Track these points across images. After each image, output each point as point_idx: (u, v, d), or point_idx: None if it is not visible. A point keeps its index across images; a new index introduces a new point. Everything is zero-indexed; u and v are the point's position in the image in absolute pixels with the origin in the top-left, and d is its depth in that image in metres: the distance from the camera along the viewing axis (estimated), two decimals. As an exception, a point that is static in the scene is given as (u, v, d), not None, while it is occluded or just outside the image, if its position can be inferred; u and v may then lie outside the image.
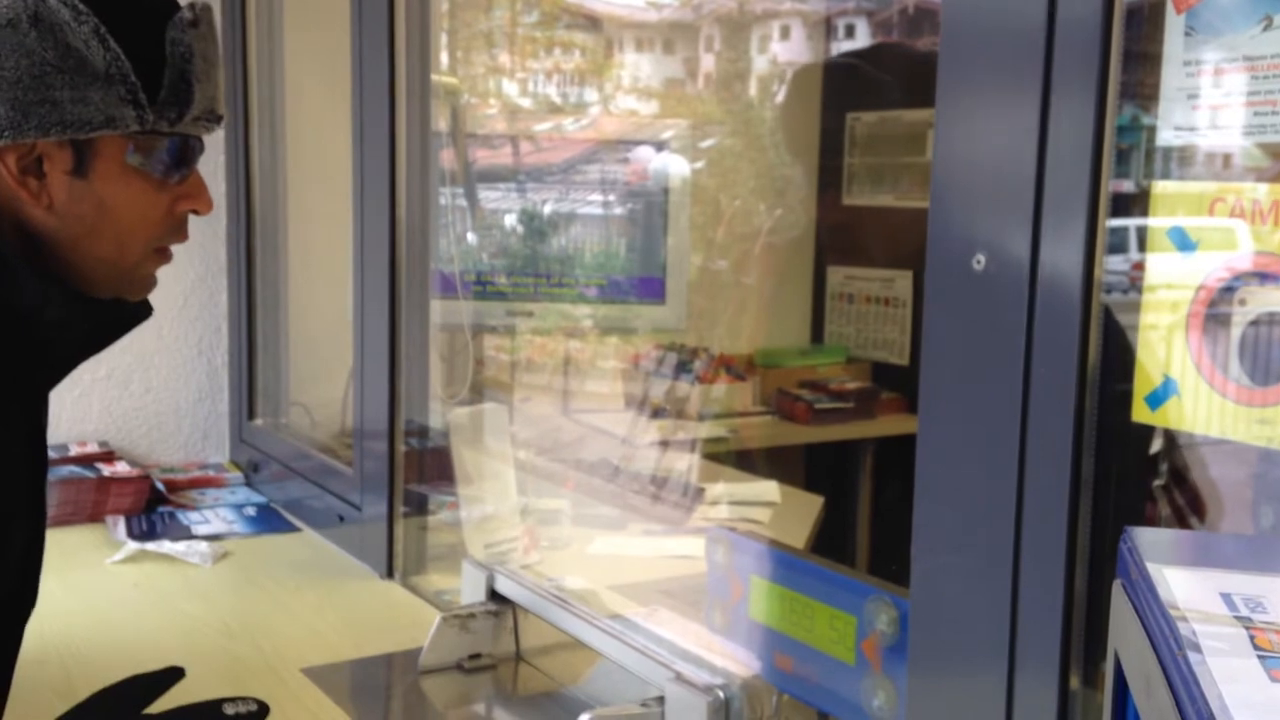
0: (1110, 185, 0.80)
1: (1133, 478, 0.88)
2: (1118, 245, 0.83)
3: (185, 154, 1.02)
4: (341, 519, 1.90)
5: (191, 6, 1.00)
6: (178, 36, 0.98)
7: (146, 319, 1.07)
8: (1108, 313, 0.81)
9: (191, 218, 1.07)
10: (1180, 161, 0.82)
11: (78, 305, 0.99)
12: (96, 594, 1.68)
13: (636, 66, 3.14)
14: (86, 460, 2.07)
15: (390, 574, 1.77)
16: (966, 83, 0.86)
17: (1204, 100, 0.80)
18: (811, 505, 2.06)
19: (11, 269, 0.94)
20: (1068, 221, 0.80)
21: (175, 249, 1.07)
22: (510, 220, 2.53)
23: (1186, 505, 0.94)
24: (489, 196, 2.51)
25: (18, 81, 0.92)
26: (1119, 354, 0.80)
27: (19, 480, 1.01)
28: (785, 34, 3.05)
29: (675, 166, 2.57)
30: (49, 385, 1.06)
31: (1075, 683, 0.80)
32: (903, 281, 2.65)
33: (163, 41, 0.97)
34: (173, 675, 1.07)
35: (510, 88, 2.87)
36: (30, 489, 1.04)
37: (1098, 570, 0.79)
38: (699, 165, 2.76)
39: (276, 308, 2.30)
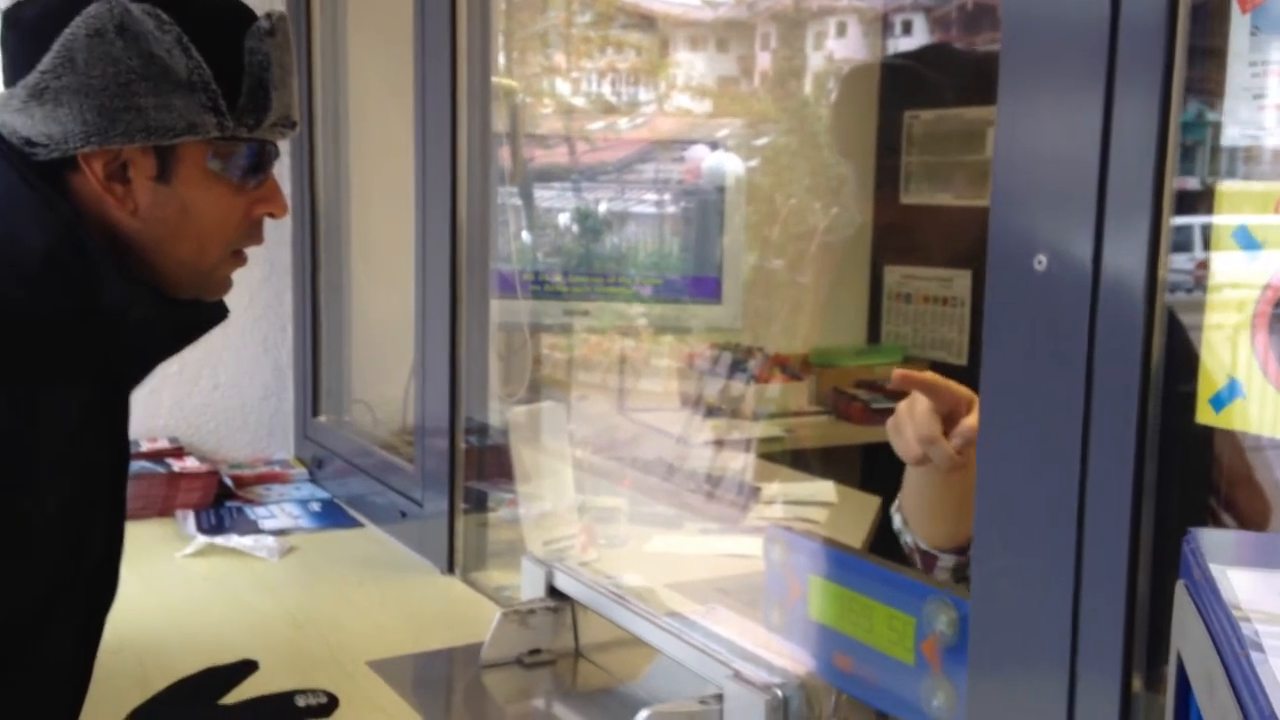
0: (1175, 183, 0.80)
1: (1196, 479, 0.87)
2: (1183, 244, 0.82)
3: (262, 159, 1.05)
4: (403, 515, 1.93)
5: (268, 16, 1.03)
6: (256, 45, 1.00)
7: (223, 320, 1.10)
8: (1171, 314, 0.81)
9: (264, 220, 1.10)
10: (1246, 160, 0.82)
11: (160, 306, 1.02)
12: (168, 587, 1.73)
13: (691, 65, 3.14)
14: (157, 456, 2.13)
15: (451, 569, 1.80)
16: (1028, 80, 0.86)
17: (1270, 100, 0.79)
18: (869, 506, 2.06)
19: (99, 271, 0.97)
20: (1131, 221, 0.80)
21: (245, 256, 1.10)
22: (565, 219, 2.56)
23: (1250, 507, 0.93)
24: (544, 196, 2.54)
25: (104, 89, 0.95)
26: (1182, 355, 0.80)
27: (101, 477, 1.05)
28: (841, 31, 3.04)
29: (730, 165, 2.57)
30: (132, 385, 1.09)
31: (1137, 685, 0.80)
32: (961, 281, 2.63)
33: (241, 50, 1.00)
34: (246, 668, 1.10)
35: (565, 87, 2.89)
36: (111, 486, 1.08)
37: (1160, 572, 0.79)
38: (754, 163, 2.76)
39: (340, 307, 2.34)
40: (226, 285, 1.09)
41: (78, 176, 0.98)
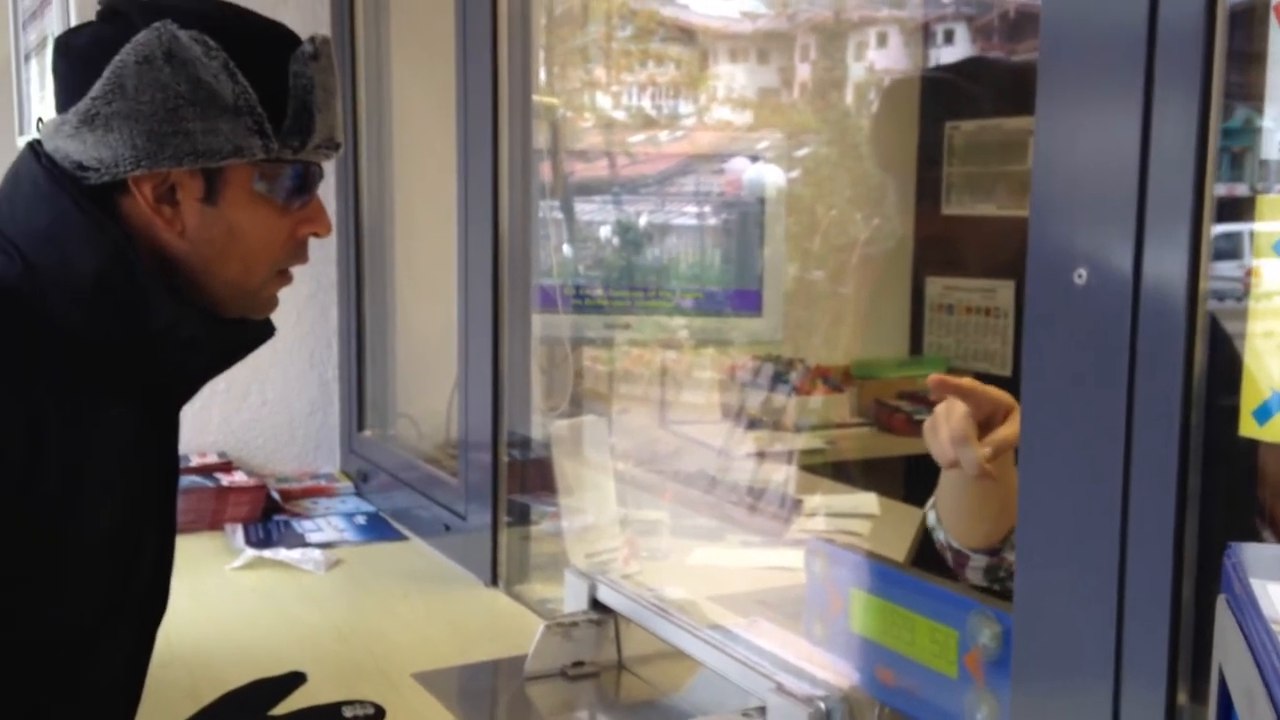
0: (1214, 194, 0.79)
1: (1240, 493, 0.86)
2: (1231, 251, 0.81)
3: (307, 180, 1.07)
4: (447, 528, 1.95)
5: (312, 40, 1.04)
6: (300, 69, 1.02)
7: (270, 338, 1.12)
8: (1215, 323, 0.80)
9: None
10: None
11: (208, 325, 1.04)
12: (217, 599, 1.76)
13: (731, 77, 3.15)
14: (207, 470, 2.16)
15: (495, 582, 1.81)
16: (1066, 89, 0.86)
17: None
18: (911, 518, 2.04)
19: (149, 292, 0.99)
20: (1171, 233, 0.80)
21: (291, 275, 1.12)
22: (606, 232, 2.57)
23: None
24: (585, 209, 2.55)
25: (153, 114, 0.97)
26: (1226, 367, 0.79)
27: (151, 495, 1.07)
28: (882, 41, 3.03)
29: (770, 177, 2.57)
30: (181, 402, 1.11)
31: (1182, 698, 0.79)
32: (1004, 292, 2.61)
33: (286, 74, 1.01)
34: (295, 680, 1.12)
35: (606, 101, 2.91)
36: (160, 500, 1.10)
37: (1204, 585, 0.78)
38: (794, 175, 2.76)
39: (384, 323, 2.37)
40: (272, 304, 1.10)
41: (128, 200, 1.00)
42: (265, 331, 1.12)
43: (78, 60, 1.00)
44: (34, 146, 1.02)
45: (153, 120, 0.97)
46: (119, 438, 1.01)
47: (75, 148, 0.98)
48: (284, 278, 1.09)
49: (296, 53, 1.03)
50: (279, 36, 1.04)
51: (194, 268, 1.03)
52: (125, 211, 1.00)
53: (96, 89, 0.97)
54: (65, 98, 1.00)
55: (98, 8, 1.03)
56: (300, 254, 1.09)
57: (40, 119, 1.05)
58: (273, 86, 1.01)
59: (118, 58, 0.97)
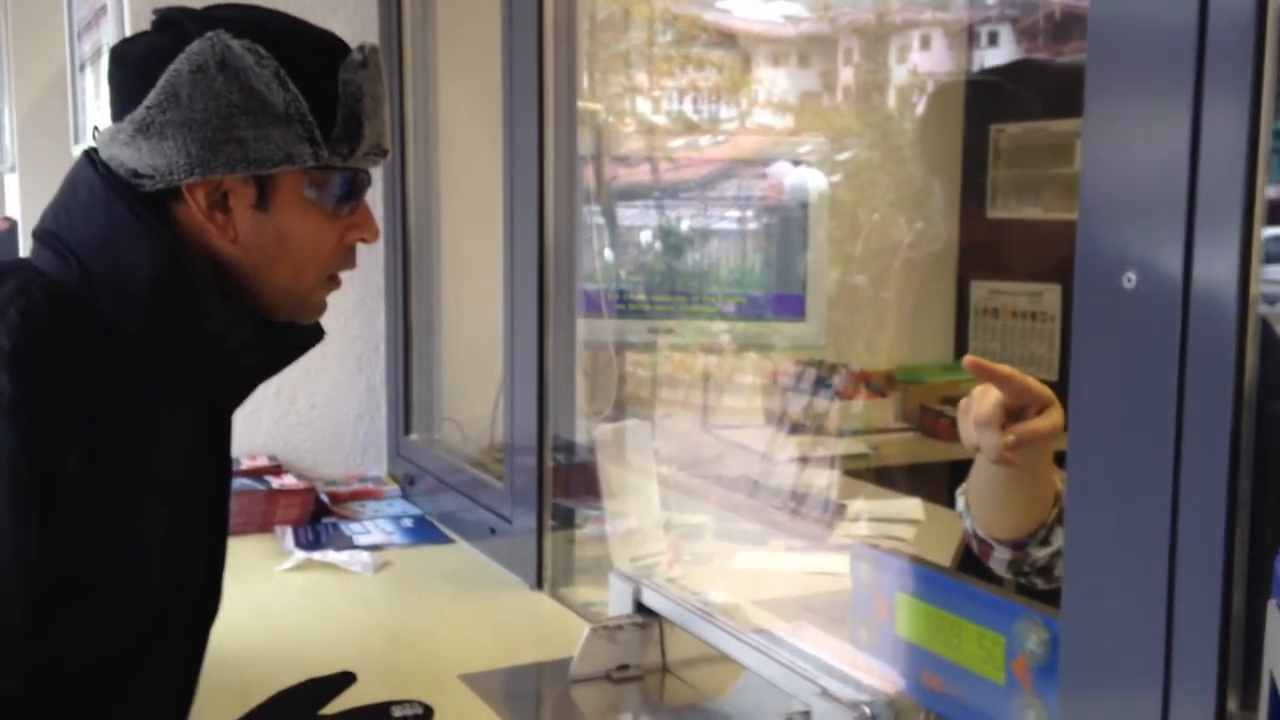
0: (1266, 197, 0.79)
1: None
2: (1284, 255, 0.80)
3: (356, 187, 1.08)
4: (493, 531, 1.97)
5: (361, 49, 1.06)
6: (349, 78, 1.03)
7: (319, 342, 1.14)
8: (1266, 327, 0.79)
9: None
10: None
11: (260, 329, 1.06)
12: (268, 600, 1.78)
13: (773, 81, 3.15)
14: (257, 473, 2.19)
15: (540, 585, 1.83)
16: (1115, 93, 0.86)
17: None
18: (956, 523, 2.03)
19: (202, 297, 1.01)
20: (1222, 236, 0.79)
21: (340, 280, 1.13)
22: (649, 237, 2.58)
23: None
24: (627, 214, 2.56)
25: (206, 122, 0.98)
26: (1277, 370, 0.79)
27: (205, 497, 1.09)
28: (926, 44, 3.01)
29: (813, 181, 2.57)
30: (234, 406, 1.13)
31: (1232, 705, 0.79)
32: (1050, 295, 2.59)
33: (336, 82, 1.03)
34: (345, 680, 1.14)
35: (647, 106, 2.92)
36: (214, 504, 1.12)
37: (1255, 591, 0.77)
38: (836, 178, 2.76)
39: (430, 328, 2.39)
40: (321, 308, 1.12)
41: (181, 206, 1.02)
42: (315, 335, 1.13)
43: (133, 69, 1.02)
44: (90, 154, 1.05)
45: (206, 128, 0.98)
46: (174, 442, 1.02)
47: (130, 155, 1.00)
48: (333, 283, 1.11)
49: (346, 61, 1.04)
50: (329, 45, 1.05)
51: (245, 273, 1.04)
52: (179, 218, 1.02)
53: (151, 98, 0.99)
54: (121, 106, 1.02)
55: (152, 18, 1.05)
56: (349, 259, 1.11)
57: (96, 127, 1.08)
58: (322, 95, 1.02)
59: (172, 66, 0.98)
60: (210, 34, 0.99)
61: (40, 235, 1.04)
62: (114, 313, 0.99)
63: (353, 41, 1.07)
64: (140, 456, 0.99)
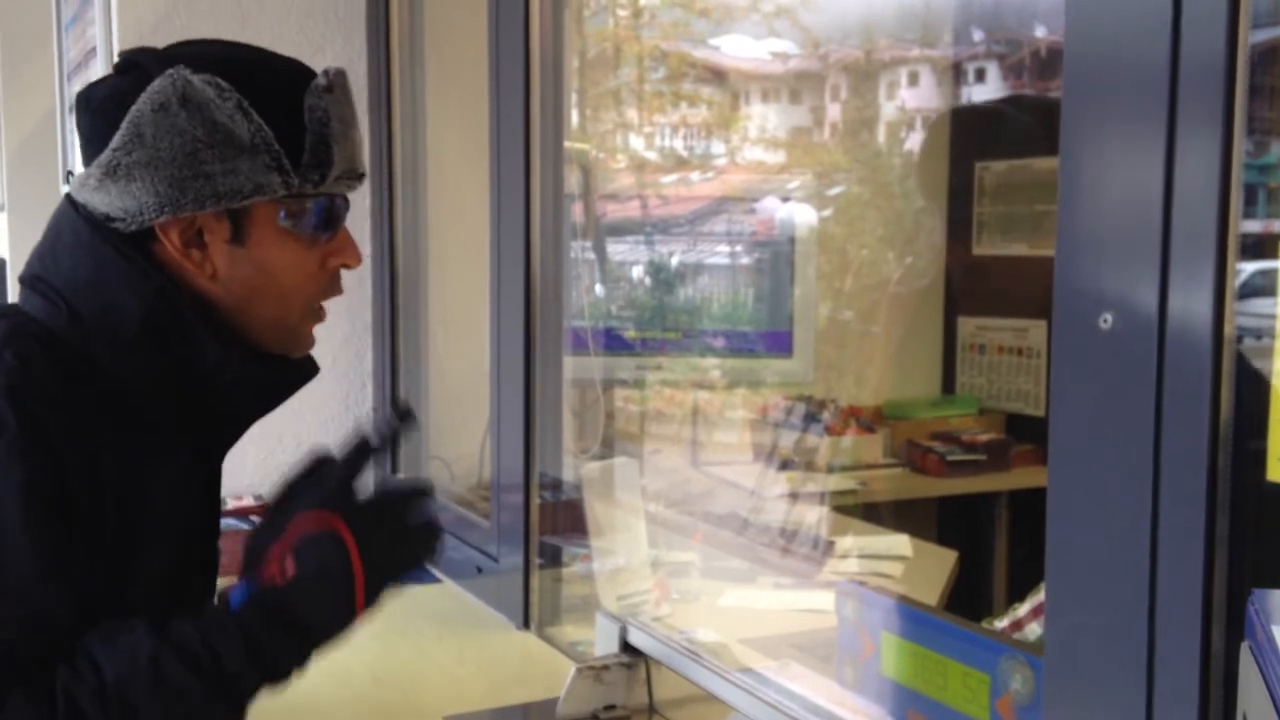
0: (1239, 232, 0.79)
1: (1269, 537, 0.86)
2: (1267, 288, 0.80)
3: (332, 213, 1.06)
4: (479, 570, 1.96)
5: (326, 73, 1.04)
6: (314, 103, 1.02)
7: (314, 376, 1.13)
8: (1242, 362, 0.80)
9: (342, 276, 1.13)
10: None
11: (252, 365, 1.05)
12: (252, 640, 1.76)
13: (763, 117, 3.17)
14: (243, 513, 2.18)
15: (526, 624, 1.81)
16: (1089, 131, 0.87)
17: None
18: (945, 560, 2.04)
19: (194, 334, 1.00)
20: (1196, 273, 0.80)
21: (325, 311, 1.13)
22: (638, 272, 2.58)
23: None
24: (617, 250, 2.57)
25: (173, 160, 0.97)
26: (1256, 407, 0.79)
27: (196, 539, 1.08)
28: (913, 80, 3.04)
29: (802, 216, 2.58)
30: (228, 445, 1.13)
31: (1214, 746, 0.79)
32: (1036, 331, 2.60)
33: (301, 109, 1.01)
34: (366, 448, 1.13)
35: (637, 142, 2.94)
36: (205, 544, 1.12)
37: (1235, 630, 0.78)
38: (826, 213, 2.77)
39: (417, 365, 2.39)
40: (310, 341, 1.11)
41: (158, 246, 1.01)
42: (309, 369, 1.12)
43: (98, 113, 1.01)
44: (71, 198, 1.04)
45: (173, 166, 0.97)
46: (167, 482, 1.02)
47: (101, 200, 1.00)
48: (319, 315, 1.10)
49: (310, 86, 1.03)
50: (292, 73, 1.04)
51: (230, 309, 1.03)
52: (159, 259, 1.01)
53: (116, 140, 0.98)
54: (89, 151, 1.02)
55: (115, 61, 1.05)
56: (334, 286, 1.09)
57: (70, 172, 1.07)
58: (288, 122, 1.01)
59: (135, 107, 0.98)
60: (170, 71, 0.98)
61: (28, 280, 1.03)
62: (105, 354, 0.99)
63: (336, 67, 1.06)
64: (136, 495, 0.98)
